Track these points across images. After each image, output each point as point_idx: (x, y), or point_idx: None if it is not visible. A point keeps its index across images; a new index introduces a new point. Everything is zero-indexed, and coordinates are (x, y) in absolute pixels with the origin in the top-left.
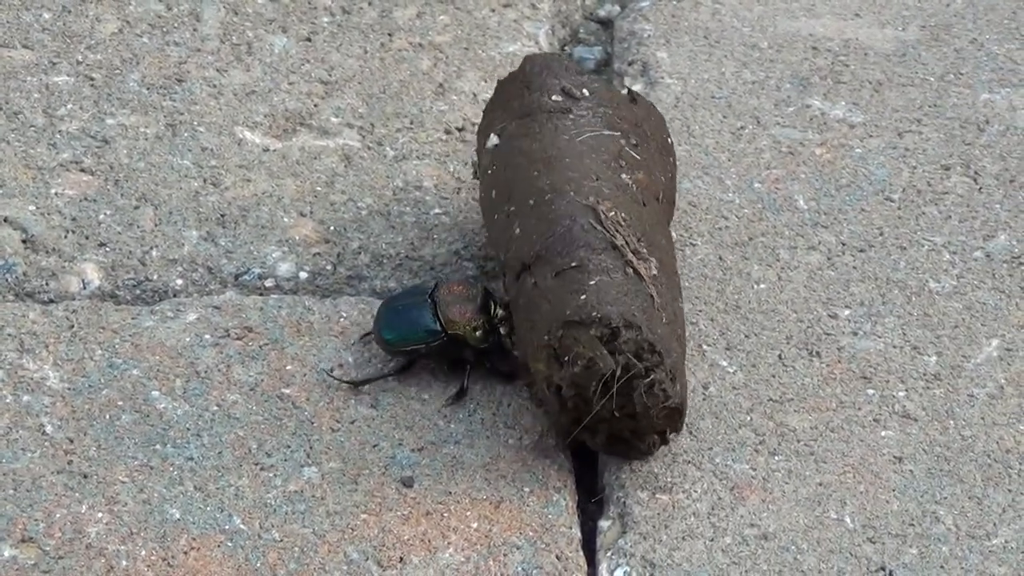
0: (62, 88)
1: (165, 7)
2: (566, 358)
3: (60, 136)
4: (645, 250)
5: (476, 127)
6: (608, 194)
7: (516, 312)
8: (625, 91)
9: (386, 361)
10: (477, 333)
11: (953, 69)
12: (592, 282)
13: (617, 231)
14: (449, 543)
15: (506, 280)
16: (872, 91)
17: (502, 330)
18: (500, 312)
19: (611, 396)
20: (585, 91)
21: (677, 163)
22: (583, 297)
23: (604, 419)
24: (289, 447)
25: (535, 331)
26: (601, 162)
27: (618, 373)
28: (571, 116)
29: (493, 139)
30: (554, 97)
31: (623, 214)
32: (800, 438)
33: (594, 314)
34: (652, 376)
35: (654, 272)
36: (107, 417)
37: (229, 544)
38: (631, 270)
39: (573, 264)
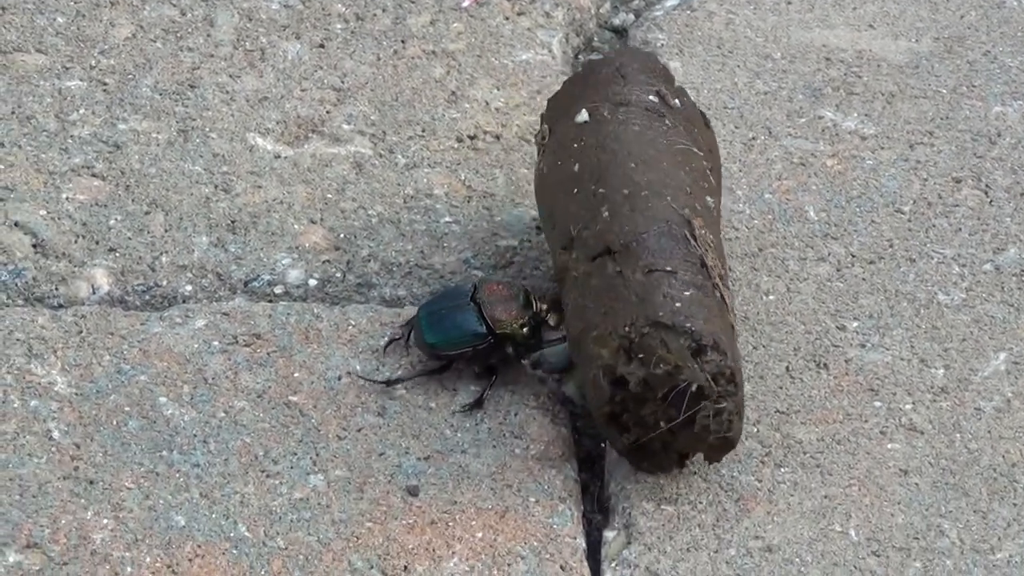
0: (75, 93)
1: (179, 12)
2: (642, 356)
3: (72, 141)
4: (727, 277)
5: (487, 134)
6: (700, 211)
7: (579, 290)
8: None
9: (417, 362)
10: (525, 331)
11: (966, 81)
12: (687, 293)
13: (707, 250)
14: (454, 552)
15: (569, 256)
16: (884, 103)
17: (551, 321)
18: (544, 307)
19: (681, 408)
20: (677, 102)
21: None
22: (677, 305)
23: (647, 425)
24: (295, 455)
25: (609, 317)
26: (692, 178)
27: (694, 390)
28: (667, 122)
29: (584, 115)
30: (650, 97)
31: (711, 236)
32: (806, 450)
33: (688, 325)
34: (724, 404)
35: (733, 302)
36: (114, 423)
37: (234, 552)
38: (719, 294)
39: (667, 268)
